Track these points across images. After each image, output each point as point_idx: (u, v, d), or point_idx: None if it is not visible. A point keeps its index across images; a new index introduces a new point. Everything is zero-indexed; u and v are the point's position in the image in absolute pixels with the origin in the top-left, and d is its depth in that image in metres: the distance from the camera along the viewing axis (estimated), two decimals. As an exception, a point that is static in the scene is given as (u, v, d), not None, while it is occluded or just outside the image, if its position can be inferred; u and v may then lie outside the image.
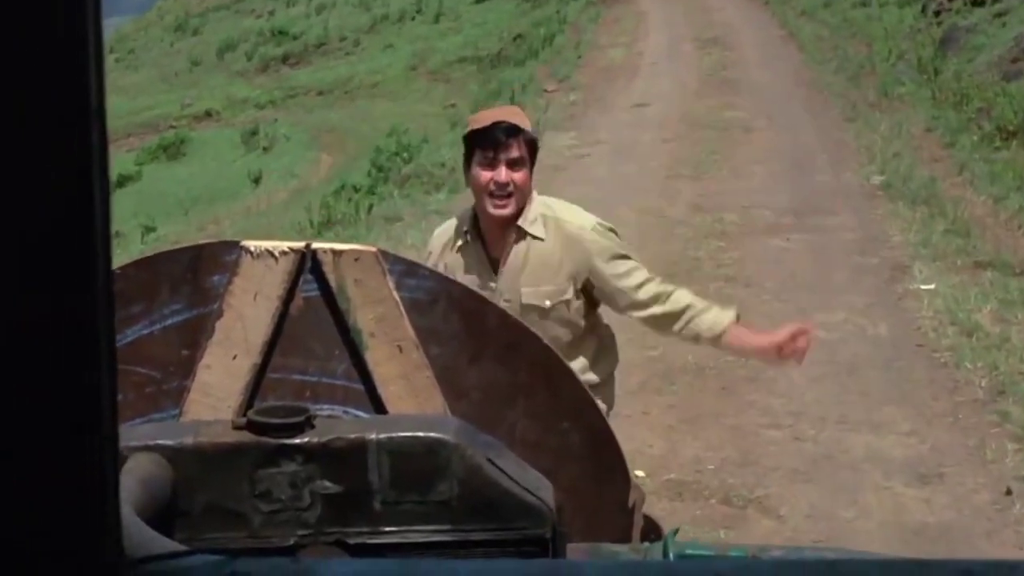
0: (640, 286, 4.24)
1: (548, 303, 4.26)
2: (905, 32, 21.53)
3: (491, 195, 4.21)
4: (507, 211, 4.22)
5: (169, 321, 2.59)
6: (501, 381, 2.61)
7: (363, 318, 2.54)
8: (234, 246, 2.57)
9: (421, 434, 2.18)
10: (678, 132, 15.67)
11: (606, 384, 4.42)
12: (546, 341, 2.67)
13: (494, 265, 4.32)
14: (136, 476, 2.06)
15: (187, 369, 2.55)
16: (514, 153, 4.19)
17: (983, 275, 9.58)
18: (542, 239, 4.26)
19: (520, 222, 4.26)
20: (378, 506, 2.17)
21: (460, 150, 4.50)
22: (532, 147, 4.26)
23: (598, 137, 15.69)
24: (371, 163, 18.28)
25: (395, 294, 2.54)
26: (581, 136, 15.82)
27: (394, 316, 2.53)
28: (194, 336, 2.56)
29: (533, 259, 4.27)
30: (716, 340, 4.25)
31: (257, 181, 26.77)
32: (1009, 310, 8.64)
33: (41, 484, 0.88)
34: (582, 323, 4.33)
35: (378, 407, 2.54)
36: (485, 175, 4.20)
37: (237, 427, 2.20)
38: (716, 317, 4.23)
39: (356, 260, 2.53)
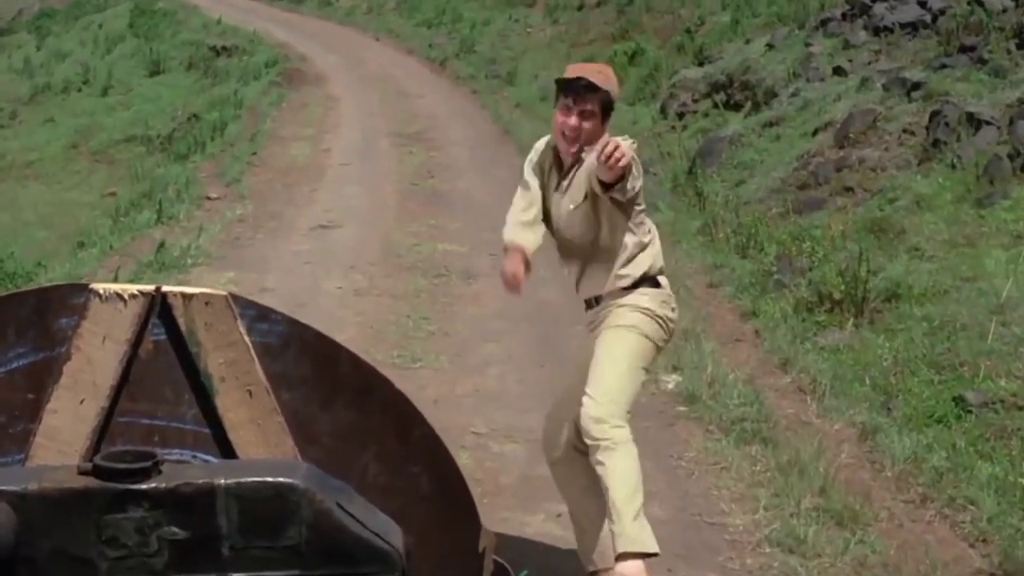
0: None
1: (572, 207, 5.12)
2: (644, 137, 17.32)
3: (563, 135, 5.07)
4: (572, 149, 5.08)
5: (15, 364, 2.43)
6: (352, 426, 2.53)
7: (213, 362, 2.44)
8: (83, 289, 2.46)
9: (270, 479, 2.11)
10: (375, 279, 10.88)
11: (647, 283, 5.24)
12: (398, 387, 2.62)
13: (561, 177, 5.18)
14: None
15: (33, 413, 2.42)
16: (588, 106, 5.03)
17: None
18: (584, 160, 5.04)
19: (583, 153, 5.06)
20: (227, 552, 2.08)
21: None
22: (606, 103, 5.08)
23: (265, 282, 10.63)
24: (-33, 293, 12.93)
25: (246, 338, 2.46)
26: (242, 278, 10.74)
27: (245, 360, 2.45)
28: (41, 380, 2.43)
29: (578, 176, 5.09)
30: None
31: None
32: None
33: None
34: (600, 222, 5.09)
35: (228, 452, 2.44)
36: (561, 118, 5.08)
37: (83, 472, 2.10)
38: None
39: (207, 304, 2.44)
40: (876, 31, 15.32)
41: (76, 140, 30.39)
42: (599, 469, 4.97)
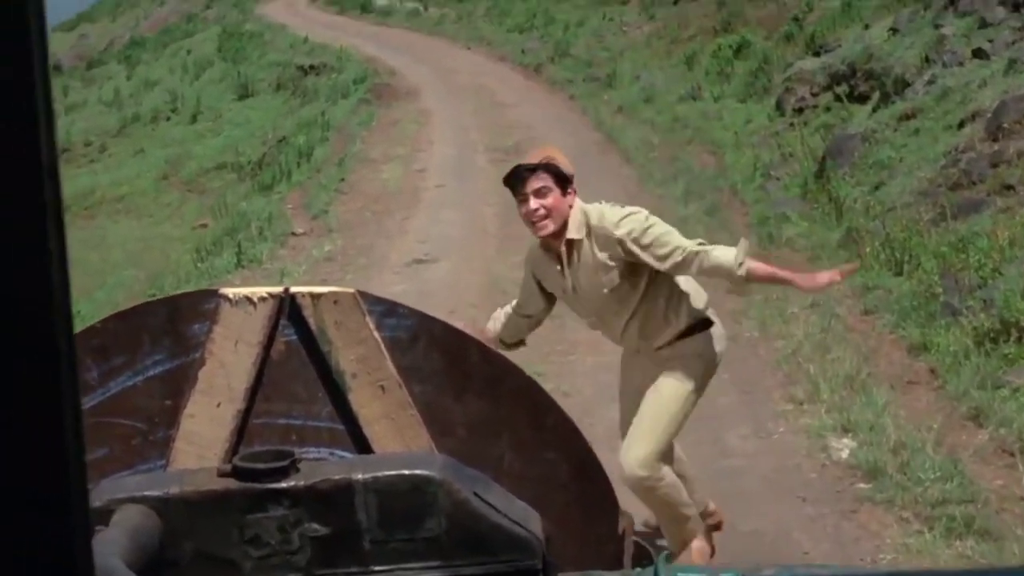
0: (661, 246, 4.88)
1: (606, 291, 5.04)
2: (760, 136, 15.77)
3: (531, 222, 4.99)
4: (547, 231, 4.98)
5: (151, 372, 2.53)
6: (485, 415, 2.53)
7: (345, 359, 2.48)
8: (213, 294, 2.53)
9: (407, 472, 2.10)
10: (478, 324, 9.43)
11: (700, 328, 5.19)
12: (529, 375, 2.58)
13: (563, 267, 5.08)
14: (124, 528, 2.00)
15: (171, 419, 2.50)
16: (536, 184, 4.94)
17: None
18: (582, 240, 4.98)
19: (568, 233, 4.98)
20: (367, 546, 2.10)
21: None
22: (555, 172, 4.96)
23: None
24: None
25: (375, 334, 2.49)
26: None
27: (376, 356, 2.48)
28: (177, 386, 2.51)
29: (584, 259, 5.01)
30: (736, 270, 4.82)
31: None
32: None
33: (11, 557, 0.79)
34: (641, 291, 5.06)
35: (363, 447, 2.49)
36: (521, 209, 5.03)
37: (223, 474, 2.13)
38: (726, 250, 4.89)
39: (335, 303, 2.49)
40: (1016, 7, 13.60)
41: (166, 171, 29.44)
42: (647, 505, 5.26)
